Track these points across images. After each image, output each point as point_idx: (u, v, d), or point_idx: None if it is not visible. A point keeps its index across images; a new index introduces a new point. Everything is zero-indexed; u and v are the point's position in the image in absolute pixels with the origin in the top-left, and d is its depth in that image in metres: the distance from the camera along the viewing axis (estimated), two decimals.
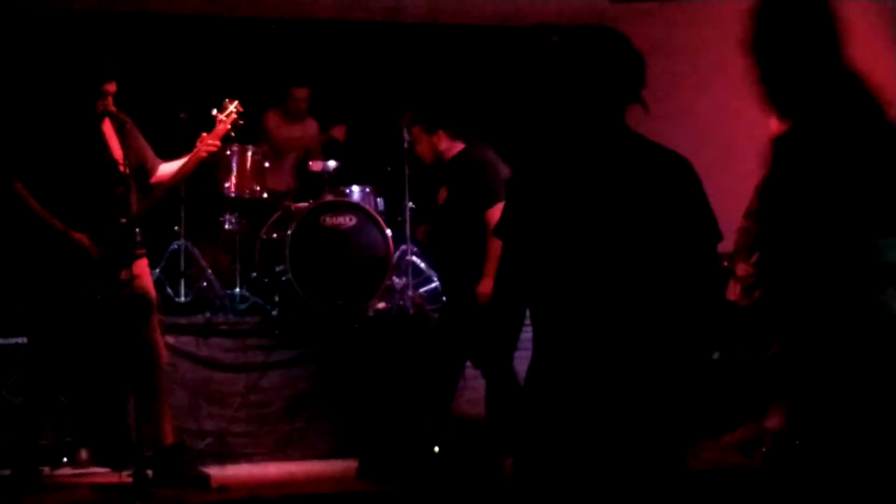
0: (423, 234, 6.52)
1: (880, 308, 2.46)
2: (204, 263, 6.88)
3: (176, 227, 6.90)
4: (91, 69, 5.09)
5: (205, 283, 6.81)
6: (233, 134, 5.39)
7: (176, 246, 6.86)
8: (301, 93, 7.72)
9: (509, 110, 7.56)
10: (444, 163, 5.69)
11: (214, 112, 5.35)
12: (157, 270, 6.70)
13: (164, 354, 5.28)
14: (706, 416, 5.78)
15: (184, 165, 5.25)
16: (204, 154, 5.23)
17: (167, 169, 5.31)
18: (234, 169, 6.98)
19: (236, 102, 5.37)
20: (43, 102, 5.36)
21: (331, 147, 7.88)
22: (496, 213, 5.39)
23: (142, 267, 5.19)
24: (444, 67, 8.21)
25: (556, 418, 2.77)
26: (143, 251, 5.22)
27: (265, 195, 7.13)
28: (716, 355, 6.12)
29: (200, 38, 7.95)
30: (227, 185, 6.97)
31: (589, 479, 2.73)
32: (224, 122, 5.31)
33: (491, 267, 5.36)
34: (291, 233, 6.65)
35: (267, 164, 7.17)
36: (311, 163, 7.45)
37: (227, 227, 7.09)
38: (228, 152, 6.95)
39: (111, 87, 5.10)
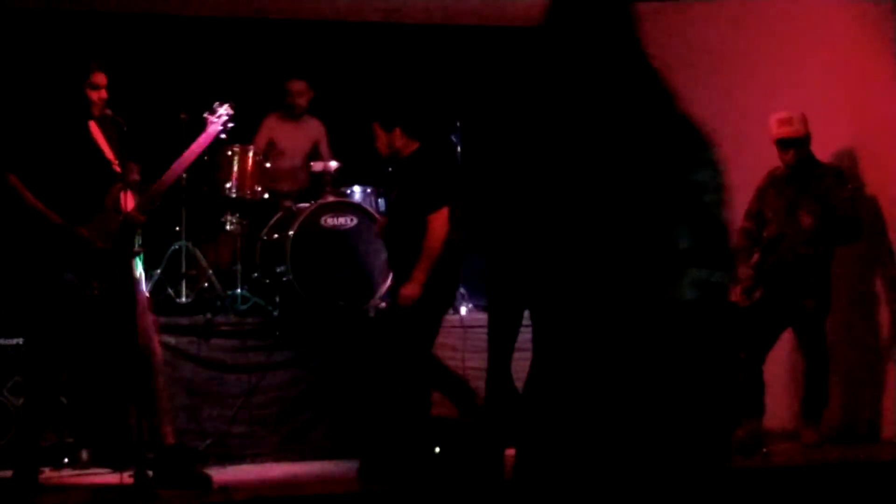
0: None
1: (674, 294, 2.52)
2: (205, 264, 6.88)
3: (177, 228, 6.89)
4: (73, 62, 5.11)
5: (206, 284, 6.81)
6: (224, 136, 5.40)
7: (177, 246, 6.86)
8: (297, 86, 7.67)
9: (510, 111, 7.55)
10: (399, 160, 5.73)
11: (206, 115, 5.38)
12: (158, 271, 6.70)
13: (159, 354, 5.28)
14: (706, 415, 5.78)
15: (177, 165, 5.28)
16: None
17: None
18: (235, 170, 6.98)
19: (227, 105, 5.40)
20: (35, 100, 5.38)
21: (333, 146, 7.87)
22: (439, 217, 5.43)
23: (134, 266, 5.21)
24: (445, 68, 8.21)
25: (559, 420, 2.76)
26: (139, 250, 5.23)
27: (266, 196, 7.13)
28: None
29: (202, 40, 7.95)
30: (227, 185, 6.97)
31: (591, 480, 2.73)
32: (215, 123, 5.34)
33: (421, 270, 5.37)
34: (292, 233, 6.66)
35: (268, 165, 7.18)
36: (311, 163, 7.44)
37: (228, 227, 7.09)
38: (229, 153, 6.96)
39: (100, 79, 5.11)
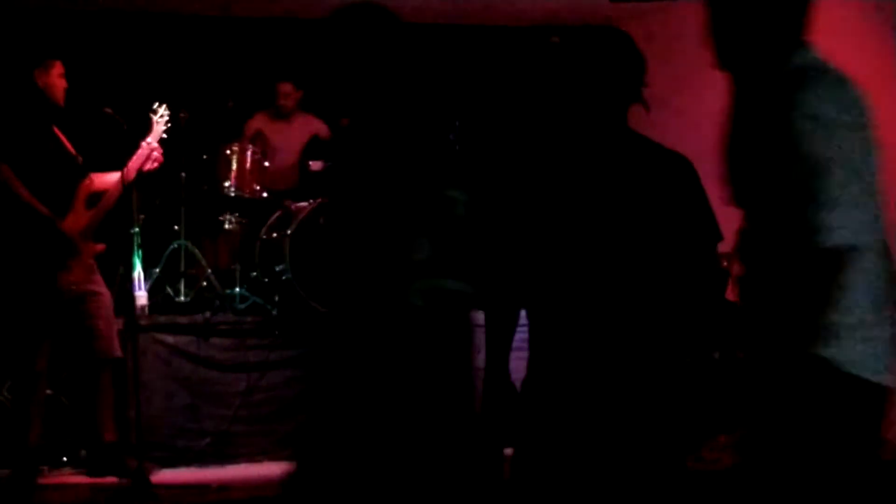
0: None
1: (407, 300, 2.63)
2: (204, 263, 6.88)
3: (176, 227, 6.90)
4: (41, 57, 5.17)
5: (205, 283, 6.81)
6: (165, 136, 5.42)
7: (176, 245, 6.87)
8: (285, 87, 7.70)
9: (510, 110, 7.57)
10: None
11: (150, 115, 5.40)
12: (157, 270, 6.71)
13: (110, 349, 5.24)
14: (705, 416, 5.79)
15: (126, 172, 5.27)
16: (148, 164, 5.28)
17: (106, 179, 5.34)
18: (234, 168, 6.98)
19: (164, 105, 5.43)
20: (9, 98, 5.40)
21: (332, 146, 7.86)
22: None
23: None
24: (444, 68, 8.21)
25: (556, 420, 2.77)
26: (102, 248, 5.26)
27: (265, 195, 7.14)
28: (715, 355, 6.12)
29: (202, 39, 7.95)
30: (226, 184, 6.98)
31: (588, 480, 2.73)
32: (158, 123, 5.37)
33: None
34: (291, 232, 6.66)
35: (267, 164, 7.18)
36: (310, 162, 7.45)
37: (227, 226, 7.10)
38: (228, 152, 6.96)
39: (58, 68, 5.18)
